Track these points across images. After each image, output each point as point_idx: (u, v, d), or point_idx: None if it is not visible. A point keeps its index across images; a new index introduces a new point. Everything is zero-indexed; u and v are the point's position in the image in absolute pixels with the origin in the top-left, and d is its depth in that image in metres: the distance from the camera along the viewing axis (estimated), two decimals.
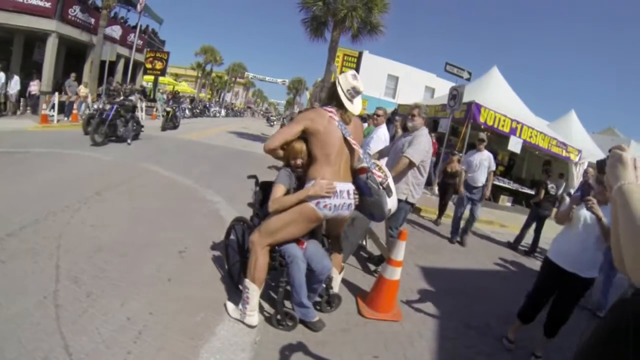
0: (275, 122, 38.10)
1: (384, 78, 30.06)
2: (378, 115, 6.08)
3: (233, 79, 57.82)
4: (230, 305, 3.17)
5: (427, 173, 4.55)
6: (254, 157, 12.61)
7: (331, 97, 3.09)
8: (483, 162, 6.95)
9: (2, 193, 4.95)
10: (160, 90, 26.46)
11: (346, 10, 16.11)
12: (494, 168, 7.06)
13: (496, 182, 14.43)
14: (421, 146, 4.35)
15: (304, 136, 2.97)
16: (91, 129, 9.27)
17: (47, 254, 3.52)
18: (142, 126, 11.72)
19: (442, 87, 25.02)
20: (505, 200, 13.92)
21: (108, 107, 10.02)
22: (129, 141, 10.35)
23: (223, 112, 41.45)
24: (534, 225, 7.72)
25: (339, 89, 3.02)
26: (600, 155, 14.17)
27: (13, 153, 6.96)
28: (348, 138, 2.96)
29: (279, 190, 2.94)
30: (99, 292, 3.06)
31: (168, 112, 16.44)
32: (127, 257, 3.77)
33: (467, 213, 7.25)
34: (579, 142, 14.46)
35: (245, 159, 12.04)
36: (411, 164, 4.31)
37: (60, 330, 2.53)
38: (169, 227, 4.81)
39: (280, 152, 2.99)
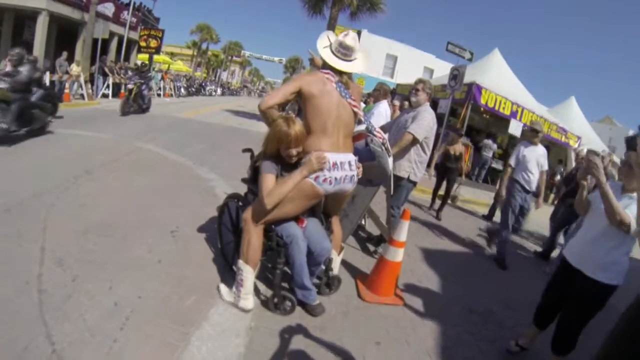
0: None
1: (383, 57, 29.82)
2: (376, 90, 5.87)
3: (229, 57, 57.07)
4: (223, 288, 3.00)
5: (430, 150, 4.36)
6: (249, 134, 12.35)
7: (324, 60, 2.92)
8: (539, 159, 5.40)
9: None
10: (156, 69, 25.93)
11: None
12: (546, 168, 5.51)
13: (494, 165, 14.33)
14: (425, 122, 4.16)
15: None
16: None
17: (32, 237, 3.33)
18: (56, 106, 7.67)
19: (442, 69, 24.73)
20: None
21: None
22: (20, 130, 6.36)
23: (219, 90, 41.09)
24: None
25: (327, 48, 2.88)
26: (599, 143, 14.21)
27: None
28: (348, 100, 2.78)
29: (270, 180, 2.63)
30: (85, 276, 2.89)
31: (130, 90, 11.93)
32: (116, 238, 3.59)
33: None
34: (578, 128, 14.44)
35: (241, 137, 11.78)
36: (415, 141, 4.13)
37: (43, 317, 2.36)
38: (161, 206, 4.63)
39: (276, 113, 2.73)
